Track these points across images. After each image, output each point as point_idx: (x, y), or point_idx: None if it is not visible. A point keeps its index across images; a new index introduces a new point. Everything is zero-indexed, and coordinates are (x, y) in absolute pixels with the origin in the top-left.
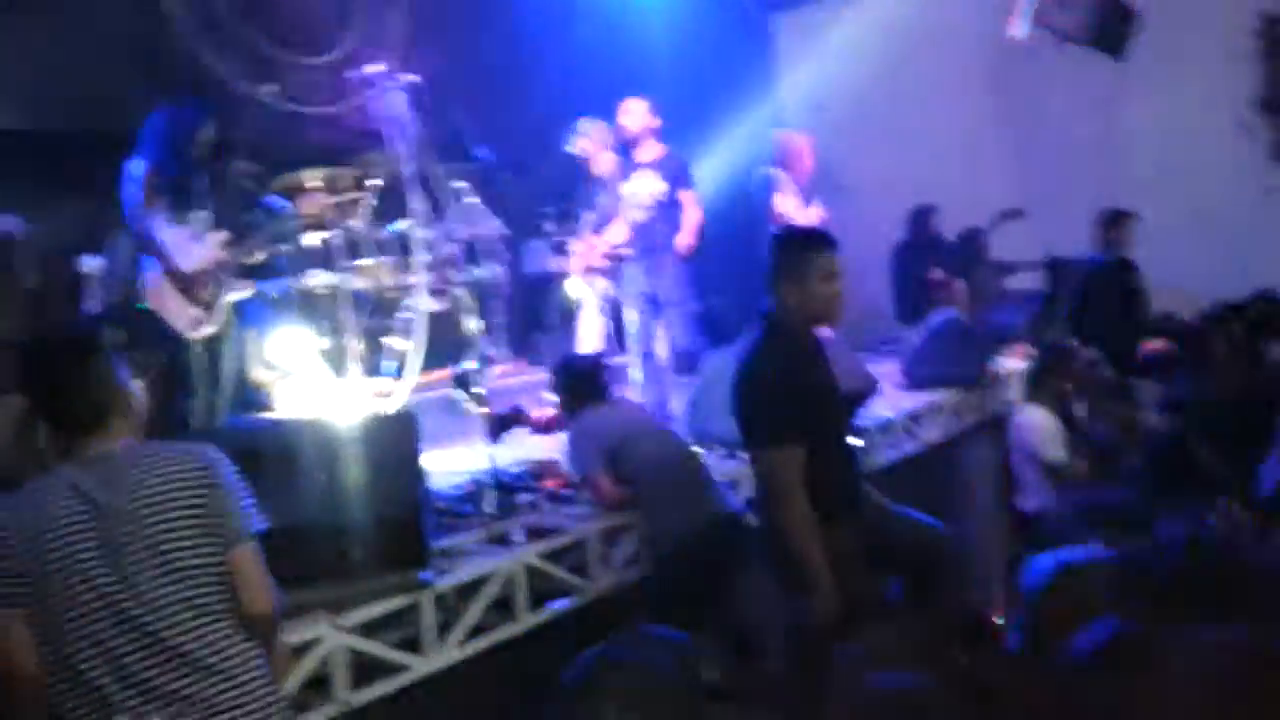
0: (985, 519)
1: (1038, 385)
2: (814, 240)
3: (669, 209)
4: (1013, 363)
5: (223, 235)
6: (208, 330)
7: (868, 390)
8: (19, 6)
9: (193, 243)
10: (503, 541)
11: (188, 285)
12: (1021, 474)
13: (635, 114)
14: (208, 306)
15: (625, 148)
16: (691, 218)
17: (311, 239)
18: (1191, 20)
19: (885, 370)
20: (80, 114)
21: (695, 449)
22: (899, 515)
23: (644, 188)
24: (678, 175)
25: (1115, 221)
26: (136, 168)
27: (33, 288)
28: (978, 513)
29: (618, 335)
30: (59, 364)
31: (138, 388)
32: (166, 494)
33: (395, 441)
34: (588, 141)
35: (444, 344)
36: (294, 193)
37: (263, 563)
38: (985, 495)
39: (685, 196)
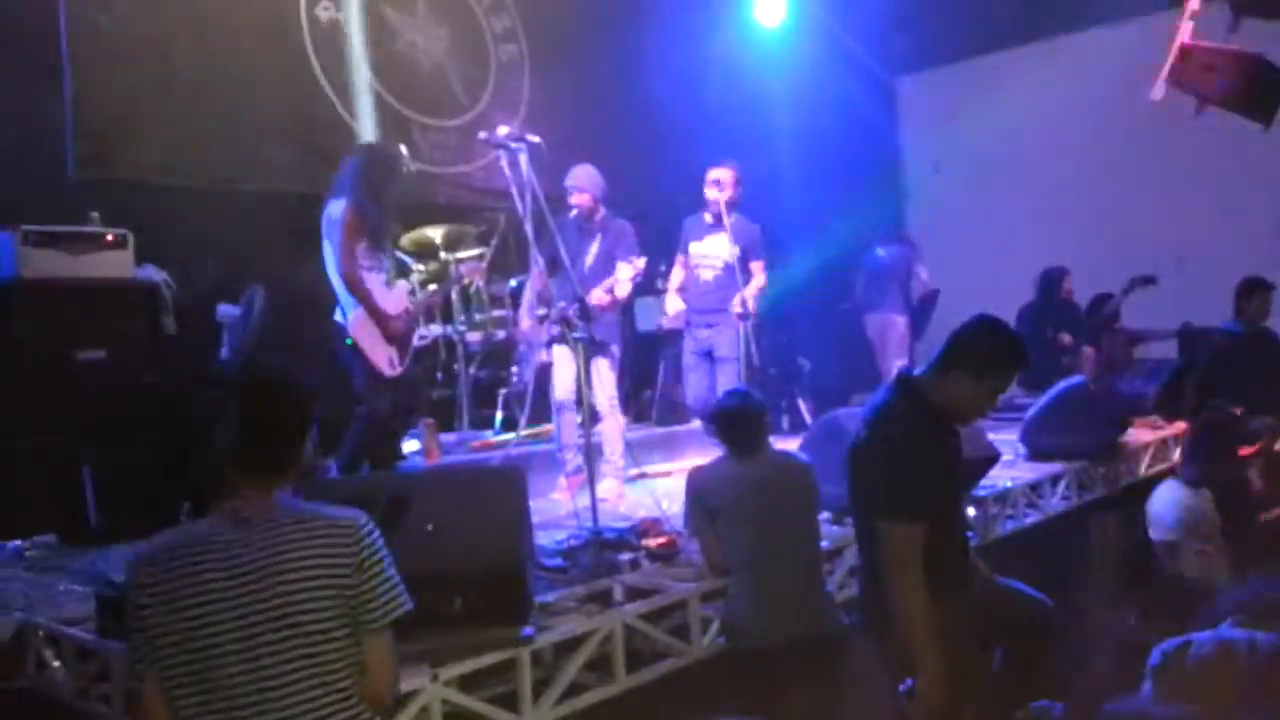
0: (1110, 595)
1: (1194, 458)
2: (1018, 356)
3: (734, 272)
4: (1142, 434)
5: (406, 283)
6: (400, 370)
7: (988, 460)
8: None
9: (385, 289)
10: (602, 600)
11: (387, 325)
12: (1168, 550)
13: (725, 181)
14: (402, 348)
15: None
16: (756, 284)
17: (432, 292)
18: None
19: (1005, 438)
20: (221, 172)
21: (820, 542)
22: (1006, 589)
23: (716, 249)
24: (751, 243)
25: (1251, 291)
26: (336, 209)
27: (173, 334)
28: (1102, 588)
29: None
30: (278, 404)
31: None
32: (313, 567)
33: (503, 495)
34: (586, 196)
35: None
36: (420, 248)
37: (394, 649)
38: (1112, 570)
39: (755, 265)
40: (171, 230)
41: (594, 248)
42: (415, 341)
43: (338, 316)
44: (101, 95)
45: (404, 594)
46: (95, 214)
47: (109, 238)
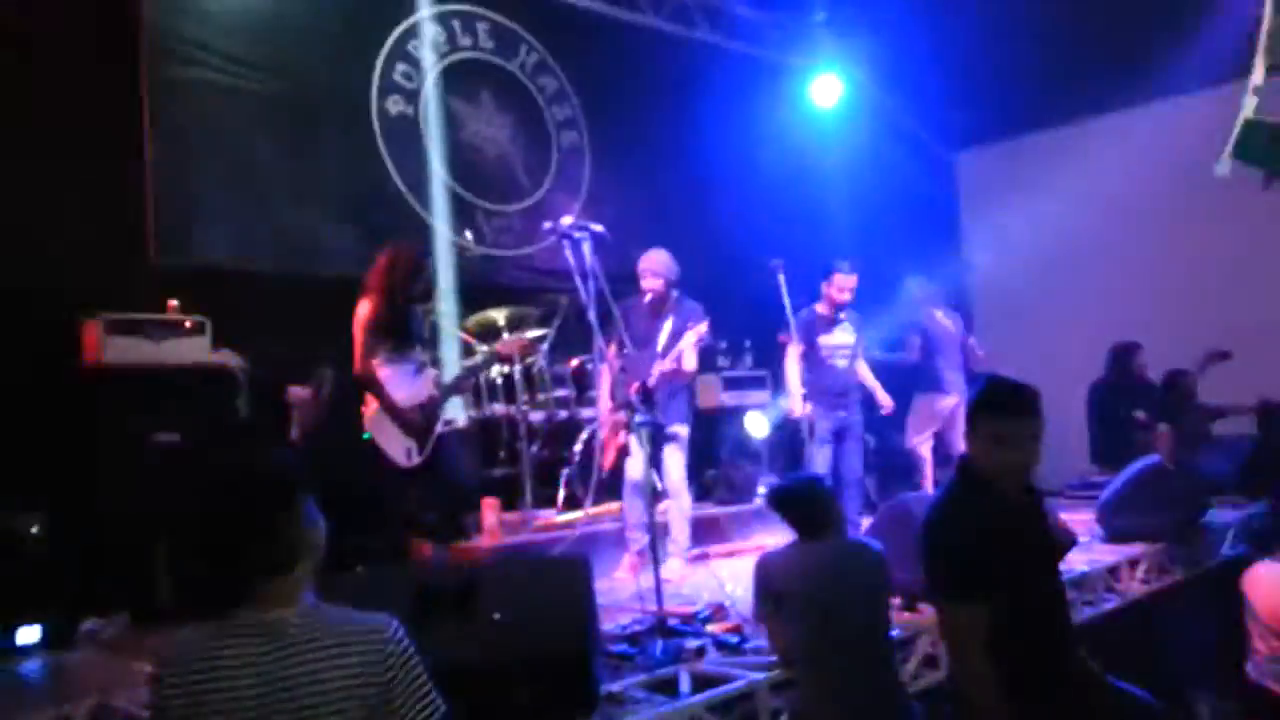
0: (1198, 686)
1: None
2: (997, 398)
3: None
4: (1223, 514)
5: (436, 373)
6: (417, 460)
7: (1065, 544)
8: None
9: (411, 378)
10: (669, 688)
11: (402, 419)
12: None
13: (847, 288)
14: (420, 438)
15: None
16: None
17: (496, 372)
18: None
19: (1079, 519)
20: (293, 258)
21: (890, 631)
22: (1113, 689)
23: (844, 339)
24: (863, 330)
25: None
26: (362, 309)
27: (246, 416)
28: (1189, 680)
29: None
30: (262, 503)
31: (322, 530)
32: (337, 679)
33: (570, 584)
34: (660, 282)
35: (615, 478)
36: (484, 330)
37: None
38: (1198, 660)
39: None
40: (246, 314)
41: (666, 328)
42: (440, 428)
43: (363, 408)
44: (180, 184)
45: (437, 699)
46: (175, 301)
47: (188, 324)
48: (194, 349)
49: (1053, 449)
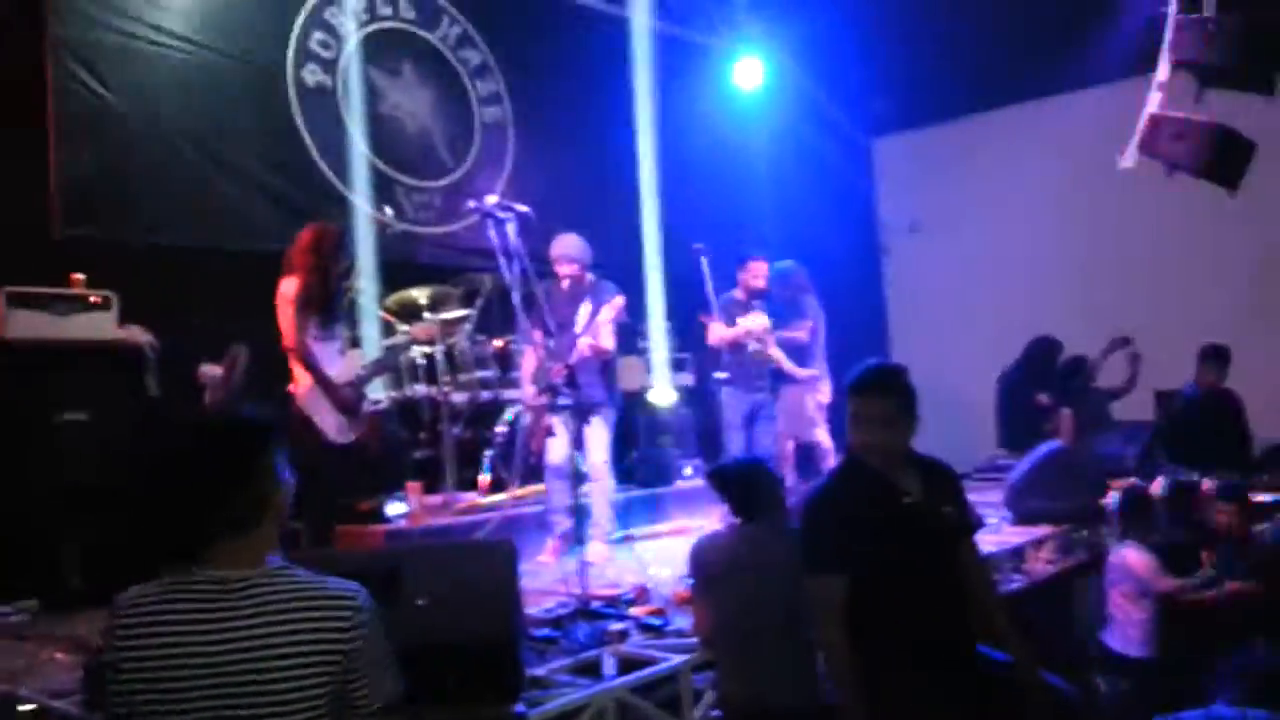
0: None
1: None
2: (856, 382)
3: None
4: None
5: (359, 352)
6: (350, 437)
7: (967, 526)
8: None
9: (337, 357)
10: (593, 671)
11: (336, 395)
12: (1119, 613)
13: (761, 275)
14: (352, 415)
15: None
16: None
17: (417, 353)
18: None
19: (987, 499)
20: (204, 232)
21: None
22: (1003, 669)
23: (757, 323)
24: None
25: (1210, 357)
26: (288, 286)
27: (155, 394)
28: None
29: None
30: (237, 451)
31: (289, 485)
32: (301, 643)
33: (495, 569)
34: (575, 266)
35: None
36: (405, 309)
37: None
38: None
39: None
40: (155, 290)
41: (584, 310)
42: (366, 407)
43: (290, 387)
44: (86, 155)
45: (398, 677)
46: (80, 275)
47: (93, 299)
48: (100, 325)
49: (963, 433)
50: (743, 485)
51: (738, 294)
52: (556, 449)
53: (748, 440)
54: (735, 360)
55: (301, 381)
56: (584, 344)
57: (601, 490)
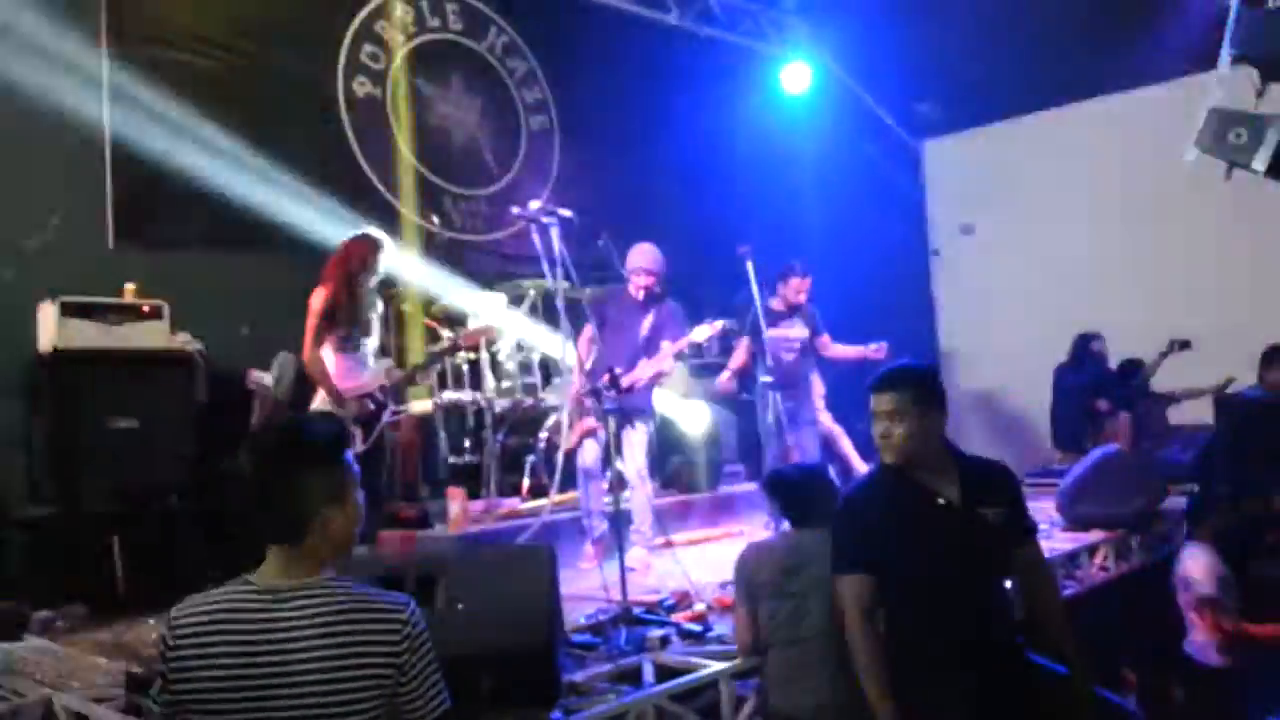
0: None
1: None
2: (874, 380)
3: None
4: (1180, 501)
5: (388, 362)
6: (360, 448)
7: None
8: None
9: (359, 368)
10: (632, 678)
11: (344, 407)
12: (1191, 620)
13: (803, 290)
14: (364, 427)
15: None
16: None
17: (461, 359)
18: None
19: (1040, 506)
20: (254, 242)
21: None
22: (1045, 674)
23: (793, 333)
24: (817, 325)
25: (1271, 358)
26: (315, 299)
27: (205, 402)
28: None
29: None
30: (281, 457)
31: (359, 506)
32: (349, 657)
33: (534, 573)
34: (653, 279)
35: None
36: (450, 316)
37: None
38: (1145, 643)
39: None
40: (205, 299)
41: (648, 321)
42: (388, 417)
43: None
44: (139, 166)
45: (445, 692)
46: (132, 285)
47: (145, 308)
48: (152, 333)
49: (1017, 436)
50: (799, 491)
51: (776, 304)
52: (590, 451)
53: (797, 444)
54: (776, 367)
55: (319, 394)
56: (645, 370)
57: (642, 495)
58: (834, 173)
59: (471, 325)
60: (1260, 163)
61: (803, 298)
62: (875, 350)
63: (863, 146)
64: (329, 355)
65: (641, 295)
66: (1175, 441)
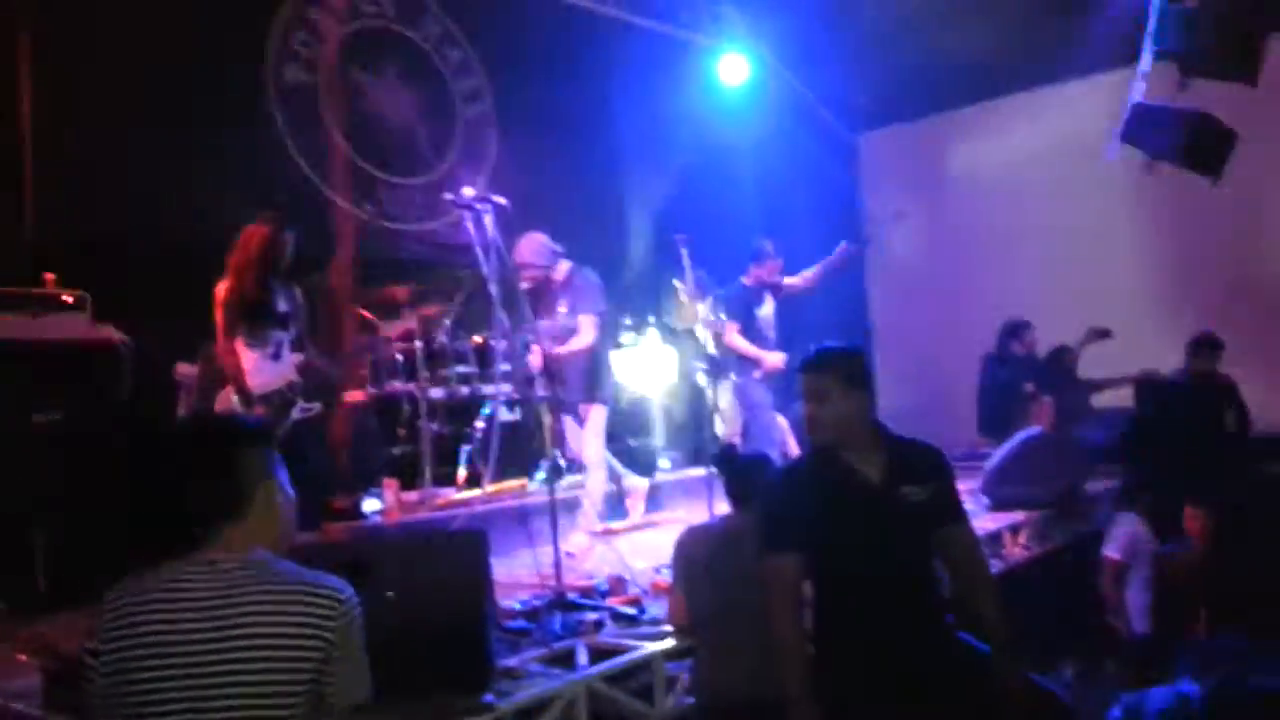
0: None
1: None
2: (803, 361)
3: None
4: (1102, 483)
5: (298, 357)
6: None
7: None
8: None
9: (269, 363)
10: (566, 662)
11: (252, 404)
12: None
13: (777, 270)
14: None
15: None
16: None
17: (397, 349)
18: None
19: (965, 488)
20: (180, 231)
21: None
22: (976, 656)
23: (768, 311)
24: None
25: (1198, 347)
26: (220, 289)
27: (129, 395)
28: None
29: None
30: (216, 439)
31: (290, 496)
32: (285, 630)
33: (464, 558)
34: (534, 271)
35: (519, 455)
36: (384, 306)
37: None
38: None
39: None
40: (130, 290)
41: (563, 306)
42: (297, 413)
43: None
44: (59, 155)
45: (368, 679)
46: (52, 275)
47: (66, 298)
48: (74, 324)
49: (943, 420)
50: (747, 472)
51: (748, 282)
52: (575, 441)
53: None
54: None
55: (228, 388)
56: (560, 347)
57: (594, 480)
58: (770, 164)
59: (408, 317)
60: (1177, 156)
61: (777, 279)
62: (839, 251)
63: (799, 139)
64: (240, 350)
65: (530, 287)
66: (1097, 424)
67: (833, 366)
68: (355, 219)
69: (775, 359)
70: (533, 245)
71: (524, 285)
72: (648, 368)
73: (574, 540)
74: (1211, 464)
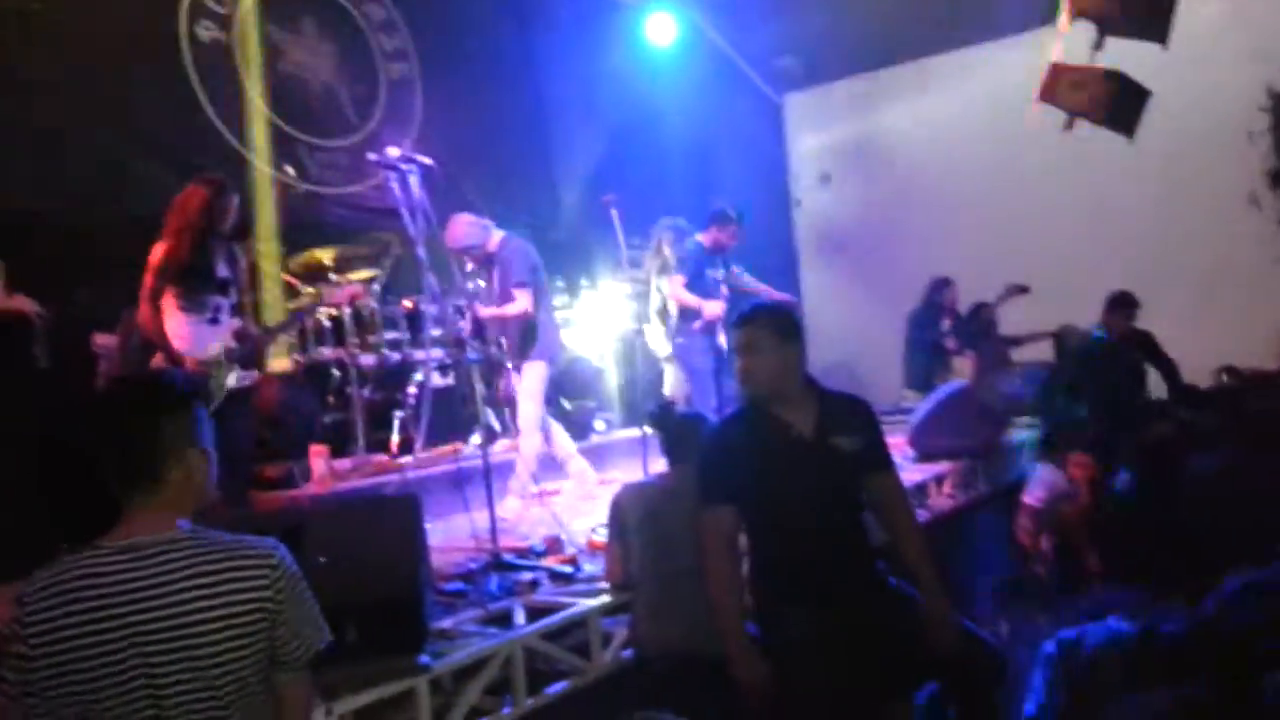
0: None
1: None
2: (737, 317)
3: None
4: (1021, 433)
5: (235, 323)
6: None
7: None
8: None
9: (204, 328)
10: (503, 622)
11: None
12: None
13: (732, 234)
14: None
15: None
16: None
17: (324, 315)
18: (1199, 99)
19: (893, 442)
20: (95, 196)
21: None
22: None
23: (720, 274)
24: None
25: (1114, 305)
26: (154, 254)
27: (45, 366)
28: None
29: None
30: (134, 402)
31: (212, 459)
32: (223, 603)
33: (397, 522)
34: (469, 253)
35: (449, 419)
36: (310, 271)
37: (310, 689)
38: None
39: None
40: (45, 258)
41: (496, 275)
42: (233, 382)
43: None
44: None
45: (323, 625)
46: None
47: None
48: None
49: (873, 375)
50: (677, 430)
51: (705, 241)
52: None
53: (718, 388)
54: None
55: (158, 356)
56: (490, 311)
57: (528, 444)
58: (699, 125)
59: (336, 281)
60: (1094, 114)
61: (734, 243)
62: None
63: (726, 100)
64: (173, 315)
65: (473, 267)
66: (1017, 377)
67: (765, 321)
68: (277, 182)
69: (714, 307)
70: (461, 228)
71: (469, 267)
72: (586, 328)
73: (507, 505)
74: (1130, 417)
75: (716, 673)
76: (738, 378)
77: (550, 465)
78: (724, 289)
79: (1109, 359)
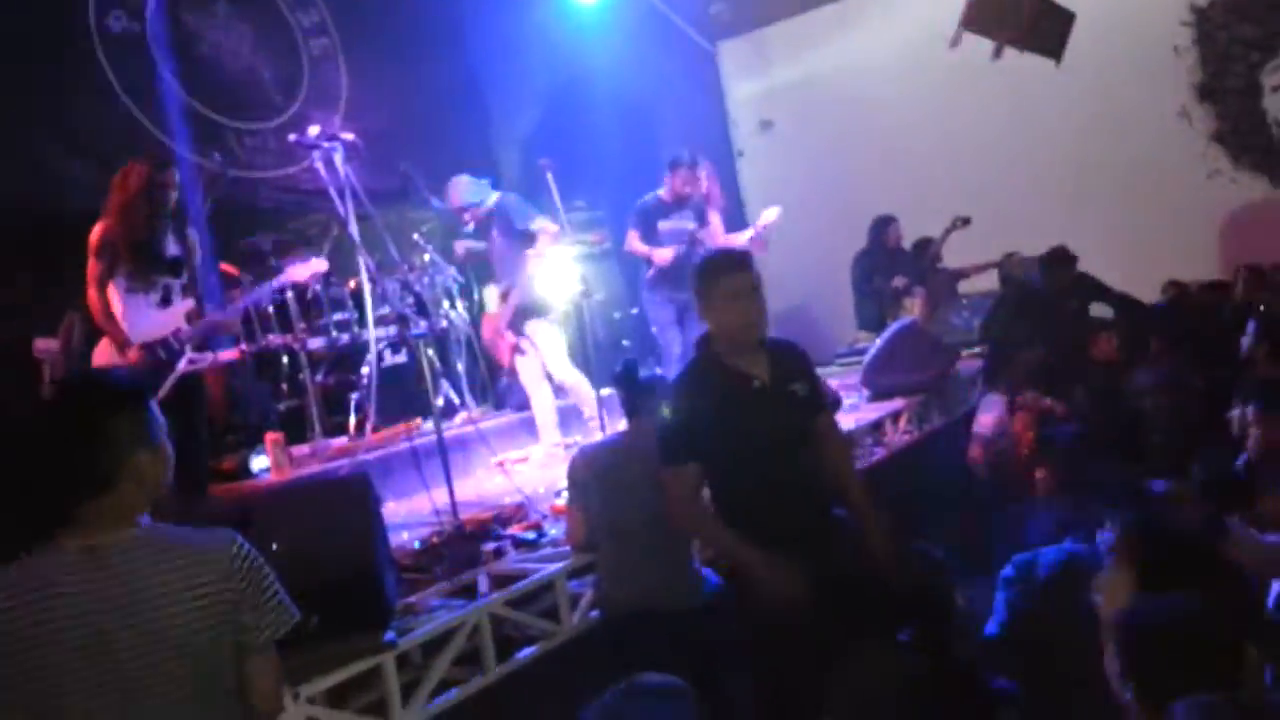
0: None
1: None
2: (718, 264)
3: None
4: (972, 365)
5: (188, 304)
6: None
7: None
8: None
9: (153, 310)
10: (469, 593)
11: (127, 354)
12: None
13: (691, 180)
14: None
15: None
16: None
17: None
18: (1122, 18)
19: (848, 382)
20: (16, 196)
21: None
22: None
23: (683, 224)
24: (704, 216)
25: (1050, 263)
26: (94, 234)
27: None
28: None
29: None
30: (83, 402)
31: (168, 454)
32: (184, 599)
33: (352, 503)
34: (469, 211)
35: (406, 396)
36: (248, 258)
37: (278, 669)
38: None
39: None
40: None
41: (495, 230)
42: (183, 366)
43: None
44: None
45: (290, 607)
46: None
47: None
48: None
49: (823, 319)
50: (638, 388)
51: (663, 194)
52: (527, 365)
53: (683, 338)
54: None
55: (103, 339)
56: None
57: (540, 398)
58: (632, 81)
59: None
60: (1020, 40)
61: (689, 189)
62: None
63: (659, 52)
64: (116, 296)
65: (472, 228)
66: (965, 311)
67: (750, 264)
68: (205, 170)
69: (663, 254)
70: (459, 189)
71: (470, 226)
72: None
73: (534, 452)
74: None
75: (677, 626)
76: (736, 327)
77: (518, 431)
78: (682, 244)
79: (1045, 312)
